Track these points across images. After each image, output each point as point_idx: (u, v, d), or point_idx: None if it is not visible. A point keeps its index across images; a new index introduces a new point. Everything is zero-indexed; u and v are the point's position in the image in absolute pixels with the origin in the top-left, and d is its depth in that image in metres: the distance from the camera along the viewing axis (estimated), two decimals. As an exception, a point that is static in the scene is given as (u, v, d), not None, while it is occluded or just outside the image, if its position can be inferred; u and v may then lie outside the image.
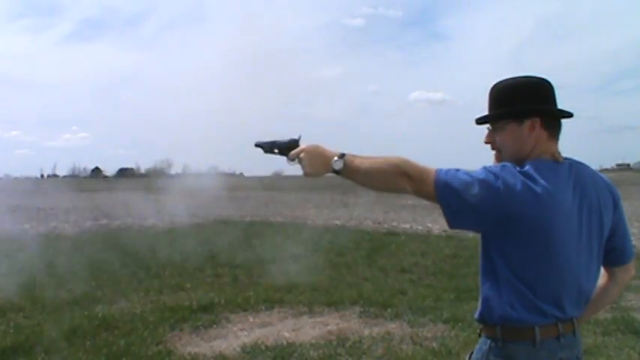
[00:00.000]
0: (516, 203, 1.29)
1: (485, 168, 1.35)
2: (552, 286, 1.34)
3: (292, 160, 1.54)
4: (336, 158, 1.43)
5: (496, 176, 1.31)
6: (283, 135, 1.63)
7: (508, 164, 1.36)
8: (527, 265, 1.33)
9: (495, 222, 1.32)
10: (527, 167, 1.33)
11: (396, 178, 1.37)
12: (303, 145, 1.54)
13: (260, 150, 1.67)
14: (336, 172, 1.43)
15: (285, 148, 1.59)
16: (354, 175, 1.43)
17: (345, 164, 1.42)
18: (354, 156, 1.43)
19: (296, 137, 1.58)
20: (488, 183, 1.30)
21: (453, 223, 1.36)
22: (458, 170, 1.35)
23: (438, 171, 1.35)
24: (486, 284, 1.40)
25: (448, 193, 1.32)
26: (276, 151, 1.62)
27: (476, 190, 1.29)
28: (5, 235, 11.59)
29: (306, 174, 1.50)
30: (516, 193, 1.28)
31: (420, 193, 1.37)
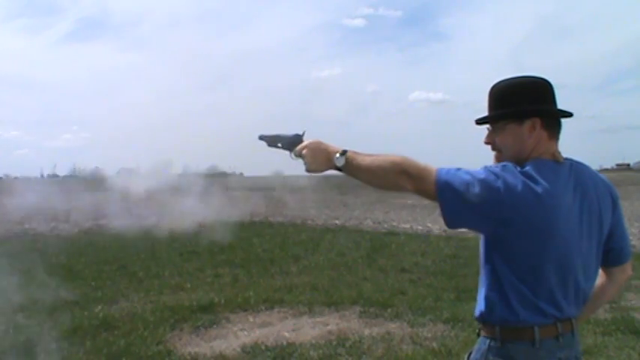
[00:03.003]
0: (517, 203, 1.28)
1: (486, 168, 1.34)
2: (552, 286, 1.34)
3: (296, 155, 1.53)
4: (338, 155, 1.44)
5: (497, 176, 1.30)
6: (288, 131, 1.62)
7: (509, 164, 1.35)
8: (527, 266, 1.33)
9: (495, 222, 1.32)
10: (527, 167, 1.33)
11: (397, 177, 1.37)
12: (306, 141, 1.54)
13: (263, 143, 1.65)
14: (338, 168, 1.44)
15: (289, 143, 1.58)
16: (355, 171, 1.43)
17: (346, 161, 1.42)
18: (355, 153, 1.44)
19: (300, 133, 1.58)
20: (488, 183, 1.29)
21: (451, 222, 1.35)
22: (459, 169, 1.35)
23: (439, 170, 1.35)
24: (487, 284, 1.40)
25: (449, 193, 1.31)
26: (279, 145, 1.61)
27: (477, 189, 1.29)
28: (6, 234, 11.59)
29: (308, 170, 1.50)
30: (517, 193, 1.28)
31: (420, 191, 1.37)
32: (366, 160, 1.41)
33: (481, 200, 1.29)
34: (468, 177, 1.31)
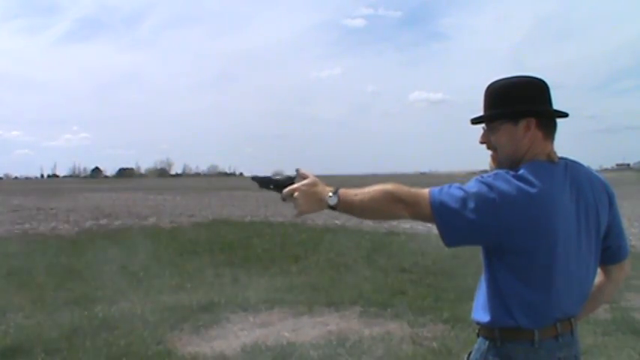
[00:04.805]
0: (514, 210, 1.28)
1: (477, 180, 1.33)
2: (552, 287, 1.34)
3: (284, 199, 1.50)
4: (330, 194, 1.43)
5: (490, 187, 1.30)
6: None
7: (500, 171, 1.35)
8: (527, 268, 1.33)
9: (496, 233, 1.31)
10: (522, 170, 1.33)
11: (391, 206, 1.37)
12: (297, 183, 1.49)
13: (256, 184, 1.64)
14: (332, 207, 1.42)
15: (281, 185, 1.55)
16: (349, 208, 1.42)
17: (339, 199, 1.42)
18: (347, 190, 1.43)
19: (292, 175, 1.55)
20: (483, 195, 1.29)
21: (450, 241, 1.35)
22: (451, 186, 1.34)
23: (432, 191, 1.34)
24: (487, 290, 1.39)
25: (445, 212, 1.31)
26: (271, 187, 1.59)
27: (472, 204, 1.28)
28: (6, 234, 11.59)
29: (300, 212, 1.46)
30: (512, 199, 1.28)
31: (416, 216, 1.37)
32: (358, 196, 1.41)
33: (478, 214, 1.28)
34: (461, 193, 1.31)
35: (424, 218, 1.36)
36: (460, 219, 1.29)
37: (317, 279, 6.43)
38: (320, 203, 1.44)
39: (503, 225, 1.29)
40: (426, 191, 1.35)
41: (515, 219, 1.28)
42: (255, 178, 1.63)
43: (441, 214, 1.32)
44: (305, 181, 1.47)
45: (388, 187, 1.38)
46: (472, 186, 1.32)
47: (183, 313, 4.89)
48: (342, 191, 1.43)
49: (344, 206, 1.42)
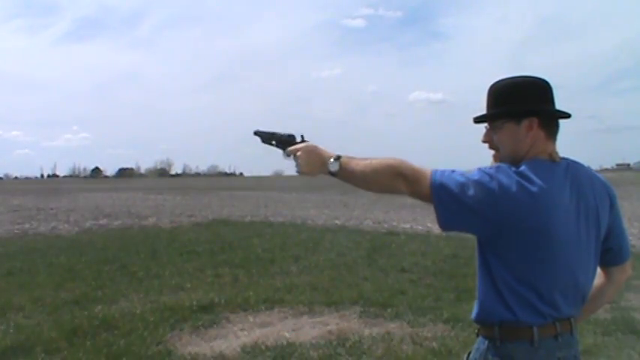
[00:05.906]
0: (512, 204, 1.28)
1: (480, 169, 1.34)
2: (551, 286, 1.34)
3: (288, 155, 1.53)
4: (332, 160, 1.43)
5: (491, 177, 1.30)
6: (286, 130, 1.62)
7: (503, 165, 1.36)
8: (524, 266, 1.33)
9: (491, 223, 1.31)
10: (522, 167, 1.33)
11: (392, 179, 1.37)
12: (301, 143, 1.54)
13: (258, 139, 1.66)
14: (332, 173, 1.43)
15: (284, 141, 1.57)
16: (349, 176, 1.43)
17: (340, 166, 1.42)
18: (349, 158, 1.43)
19: (294, 133, 1.58)
20: (483, 184, 1.29)
21: (445, 224, 1.35)
22: (453, 171, 1.35)
23: (434, 172, 1.35)
24: (484, 286, 1.39)
25: (443, 194, 1.31)
26: (273, 142, 1.60)
27: (471, 191, 1.29)
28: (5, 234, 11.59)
29: (301, 172, 1.50)
30: (511, 193, 1.28)
31: (415, 194, 1.37)
32: (359, 165, 1.41)
33: (476, 202, 1.28)
34: (462, 179, 1.31)
35: (422, 197, 1.36)
36: (458, 203, 1.30)
37: (317, 279, 6.42)
38: (321, 167, 1.46)
39: (499, 217, 1.29)
40: (428, 171, 1.35)
41: (510, 213, 1.29)
42: (257, 133, 1.64)
43: (439, 195, 1.32)
44: (309, 142, 1.50)
45: (391, 160, 1.38)
46: (474, 174, 1.33)
47: (183, 313, 4.89)
48: (344, 159, 1.43)
49: (344, 174, 1.43)
